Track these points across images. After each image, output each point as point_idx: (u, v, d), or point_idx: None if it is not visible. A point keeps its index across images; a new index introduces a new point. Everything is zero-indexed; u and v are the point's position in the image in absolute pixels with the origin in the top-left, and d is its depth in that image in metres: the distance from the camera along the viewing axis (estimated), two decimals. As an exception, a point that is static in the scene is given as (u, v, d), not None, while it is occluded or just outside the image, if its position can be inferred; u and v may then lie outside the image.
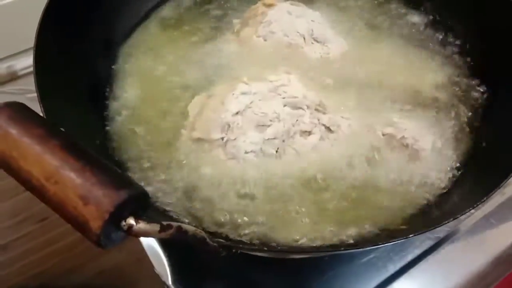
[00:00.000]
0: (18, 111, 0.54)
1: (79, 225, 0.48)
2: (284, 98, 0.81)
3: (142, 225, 0.49)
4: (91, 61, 0.86)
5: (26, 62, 1.10)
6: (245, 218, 0.73)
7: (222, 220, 0.73)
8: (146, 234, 0.50)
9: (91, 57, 0.86)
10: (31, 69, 1.09)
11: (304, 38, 0.92)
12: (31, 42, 1.04)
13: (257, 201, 0.74)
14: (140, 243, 0.83)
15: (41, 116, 0.55)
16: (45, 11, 0.77)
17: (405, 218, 0.73)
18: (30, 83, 1.14)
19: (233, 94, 0.80)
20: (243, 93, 0.80)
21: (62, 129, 0.60)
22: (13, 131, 0.51)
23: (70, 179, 0.48)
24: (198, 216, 0.73)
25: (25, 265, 1.04)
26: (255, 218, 0.73)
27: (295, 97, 0.82)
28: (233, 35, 0.96)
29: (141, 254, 0.84)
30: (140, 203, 0.51)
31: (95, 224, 0.47)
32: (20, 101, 1.15)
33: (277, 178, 0.77)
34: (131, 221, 0.49)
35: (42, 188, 0.49)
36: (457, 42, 0.95)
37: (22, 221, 1.34)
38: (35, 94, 1.14)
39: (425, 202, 0.75)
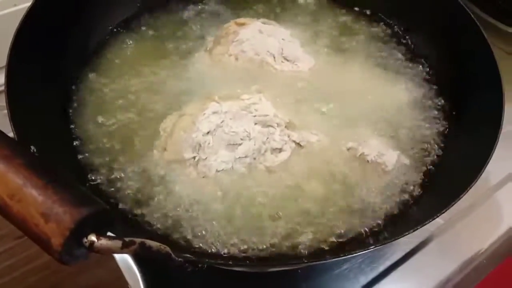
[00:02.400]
0: (-16, 132, 0.55)
1: (41, 242, 0.49)
2: (255, 116, 0.83)
3: (104, 242, 0.50)
4: (61, 78, 0.87)
5: (2, 79, 1.12)
6: (218, 235, 0.74)
7: (195, 236, 0.74)
8: (109, 251, 0.51)
9: (61, 75, 0.87)
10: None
11: (274, 57, 0.94)
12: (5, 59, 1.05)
13: (228, 218, 0.76)
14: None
15: (8, 136, 0.56)
16: (17, 30, 0.78)
17: (371, 229, 0.76)
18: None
19: (204, 113, 0.81)
20: (214, 113, 0.82)
21: (32, 147, 0.63)
22: (-21, 152, 0.53)
23: (33, 197, 0.49)
24: (171, 235, 0.74)
25: (5, 284, 1.04)
26: (228, 234, 0.74)
27: (266, 115, 0.83)
28: (206, 53, 0.97)
29: (122, 272, 0.84)
30: (103, 220, 0.52)
31: (56, 241, 0.48)
32: (-1, 117, 1.15)
33: (248, 194, 0.78)
34: (93, 237, 0.50)
35: (6, 206, 0.50)
36: (424, 64, 0.99)
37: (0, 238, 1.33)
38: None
39: (389, 214, 0.78)
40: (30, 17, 0.81)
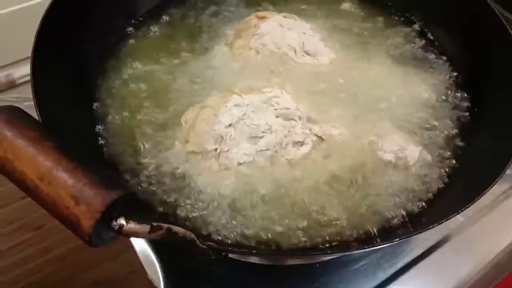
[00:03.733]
0: (14, 115, 0.56)
1: (71, 224, 0.50)
2: (276, 109, 0.83)
3: (132, 225, 0.51)
4: (85, 69, 0.88)
5: (24, 70, 1.13)
6: (237, 227, 0.74)
7: (214, 229, 0.74)
8: (136, 235, 0.52)
9: (85, 66, 0.88)
10: (29, 78, 1.13)
11: (295, 51, 0.94)
12: (29, 51, 1.07)
13: (249, 211, 0.76)
14: (135, 255, 0.84)
15: (36, 120, 0.57)
16: (42, 21, 0.79)
17: (391, 224, 0.75)
18: (28, 91, 1.17)
19: (226, 106, 0.81)
20: (236, 105, 0.82)
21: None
22: (9, 133, 0.53)
23: (63, 180, 0.50)
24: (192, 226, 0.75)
25: (20, 274, 1.04)
26: (248, 227, 0.74)
27: (287, 108, 0.83)
28: (226, 47, 0.97)
29: (136, 266, 0.84)
30: (131, 204, 0.52)
31: (87, 224, 0.48)
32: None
33: (269, 187, 0.78)
34: (122, 221, 0.50)
35: (36, 188, 0.51)
36: (446, 60, 0.98)
37: (17, 229, 1.34)
38: (32, 102, 1.17)
39: (410, 209, 0.78)
40: (54, 7, 0.82)
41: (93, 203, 0.48)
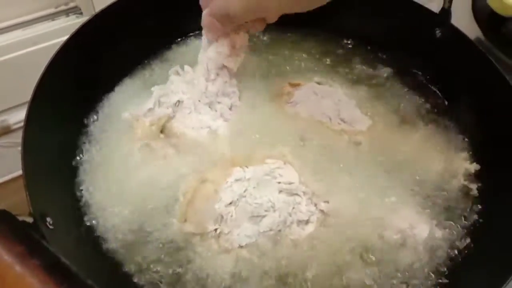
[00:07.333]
0: (2, 223, 0.53)
1: None
2: (279, 182, 0.79)
3: None
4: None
5: (19, 116, 1.14)
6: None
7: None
8: None
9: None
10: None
11: (330, 119, 0.90)
12: (24, 97, 1.06)
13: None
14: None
15: (25, 230, 0.53)
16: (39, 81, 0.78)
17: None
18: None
19: (227, 181, 0.78)
20: (237, 180, 0.78)
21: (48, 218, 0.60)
22: (-5, 248, 0.50)
23: (49, 306, 0.46)
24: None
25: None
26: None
27: (291, 182, 0.80)
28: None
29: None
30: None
31: None
32: (13, 154, 1.18)
33: (272, 272, 0.74)
34: None
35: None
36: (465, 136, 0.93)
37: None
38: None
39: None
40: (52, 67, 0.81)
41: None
